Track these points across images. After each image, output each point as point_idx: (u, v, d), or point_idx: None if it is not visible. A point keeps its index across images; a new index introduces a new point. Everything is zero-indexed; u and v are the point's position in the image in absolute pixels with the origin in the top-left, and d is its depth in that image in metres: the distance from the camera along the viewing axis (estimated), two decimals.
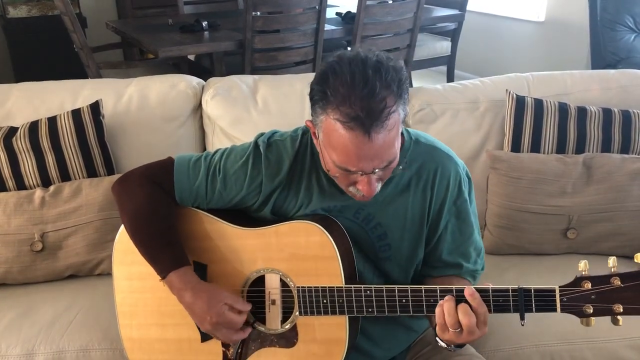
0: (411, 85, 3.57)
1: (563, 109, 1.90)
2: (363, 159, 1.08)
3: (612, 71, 2.13)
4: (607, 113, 1.89)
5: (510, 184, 1.81)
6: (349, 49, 1.15)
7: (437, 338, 1.19)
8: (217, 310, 1.22)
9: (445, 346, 1.18)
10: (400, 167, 1.17)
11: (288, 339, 1.28)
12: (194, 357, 1.34)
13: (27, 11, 4.85)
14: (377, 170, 1.11)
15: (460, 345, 1.19)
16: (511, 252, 1.87)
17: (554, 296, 1.09)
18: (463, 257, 1.32)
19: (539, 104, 1.90)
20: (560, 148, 1.89)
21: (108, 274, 1.73)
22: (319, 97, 1.09)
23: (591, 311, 1.08)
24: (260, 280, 1.30)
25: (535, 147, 1.89)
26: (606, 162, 1.81)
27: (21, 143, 1.78)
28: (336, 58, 1.09)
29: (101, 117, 1.85)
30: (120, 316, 1.39)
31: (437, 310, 1.12)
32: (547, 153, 1.88)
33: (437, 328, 1.14)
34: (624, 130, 1.88)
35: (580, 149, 1.88)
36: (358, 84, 1.04)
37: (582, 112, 1.89)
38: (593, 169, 1.81)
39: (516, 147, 1.90)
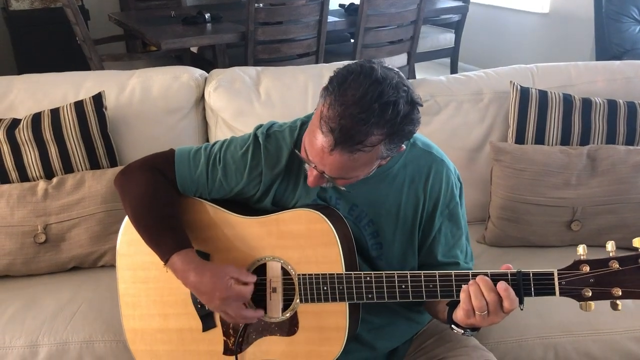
0: (414, 78, 3.56)
1: (567, 100, 1.89)
2: (317, 158, 1.14)
3: (617, 62, 2.12)
4: (611, 104, 1.88)
5: (514, 176, 1.81)
6: (377, 61, 1.14)
7: (452, 325, 1.19)
8: (224, 284, 1.22)
9: (462, 332, 1.18)
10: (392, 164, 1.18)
11: (289, 327, 1.28)
12: (196, 347, 1.35)
13: (29, 3, 4.84)
14: (326, 175, 1.16)
15: (477, 329, 1.18)
16: (515, 244, 1.86)
17: (553, 280, 1.09)
18: (456, 257, 1.34)
19: (543, 95, 1.89)
20: (565, 140, 1.88)
21: (111, 265, 1.73)
22: (331, 88, 1.10)
23: (590, 295, 1.07)
24: (262, 269, 1.30)
25: (540, 139, 1.88)
26: (611, 154, 1.80)
27: (24, 135, 1.78)
28: (368, 68, 1.09)
29: (104, 109, 1.85)
30: (123, 307, 1.40)
31: (463, 295, 1.12)
32: (552, 145, 1.87)
33: (460, 313, 1.13)
34: (628, 122, 1.87)
35: (584, 140, 1.87)
36: (358, 105, 1.06)
37: (586, 103, 1.88)
38: (597, 160, 1.80)
39: (520, 138, 1.89)
